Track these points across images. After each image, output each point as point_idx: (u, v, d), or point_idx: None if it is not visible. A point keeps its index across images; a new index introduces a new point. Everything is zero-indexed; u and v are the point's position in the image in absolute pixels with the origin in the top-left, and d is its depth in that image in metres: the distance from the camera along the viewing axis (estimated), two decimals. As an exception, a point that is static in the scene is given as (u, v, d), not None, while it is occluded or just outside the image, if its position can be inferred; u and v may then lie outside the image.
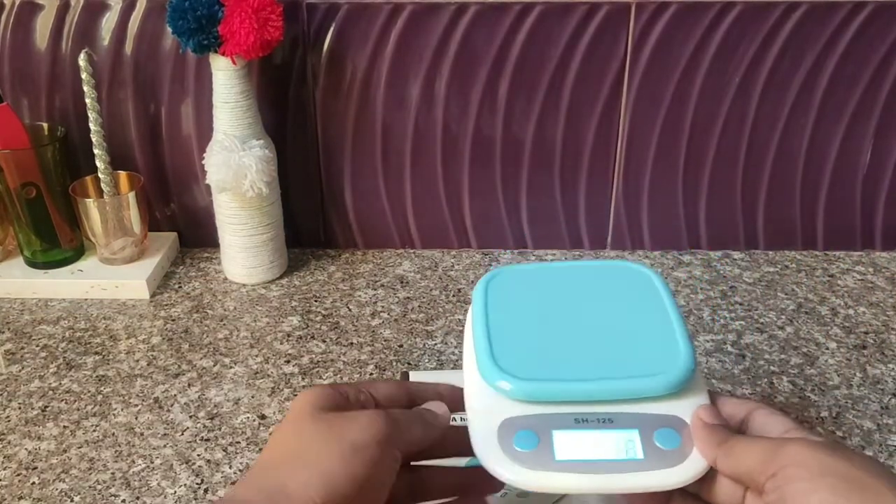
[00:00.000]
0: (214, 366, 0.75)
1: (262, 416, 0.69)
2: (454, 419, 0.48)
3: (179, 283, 0.88)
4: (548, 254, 0.93)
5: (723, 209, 0.91)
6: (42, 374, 0.74)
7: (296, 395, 0.56)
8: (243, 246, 0.86)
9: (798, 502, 0.38)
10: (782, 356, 0.76)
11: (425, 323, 0.81)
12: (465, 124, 0.87)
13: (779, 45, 0.82)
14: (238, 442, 0.66)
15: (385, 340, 0.79)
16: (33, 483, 0.62)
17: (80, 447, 0.66)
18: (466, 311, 0.52)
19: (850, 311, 0.83)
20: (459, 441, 0.46)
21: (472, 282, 0.87)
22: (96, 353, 0.77)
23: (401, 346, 0.78)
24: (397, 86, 0.85)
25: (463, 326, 0.68)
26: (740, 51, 0.83)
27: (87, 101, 0.81)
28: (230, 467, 0.64)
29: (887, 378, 0.73)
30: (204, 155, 0.82)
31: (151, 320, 0.82)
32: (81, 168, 0.88)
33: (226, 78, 0.79)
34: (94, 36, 0.84)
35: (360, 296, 0.86)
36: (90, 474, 0.63)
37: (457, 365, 0.75)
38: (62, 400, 0.71)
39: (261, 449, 0.63)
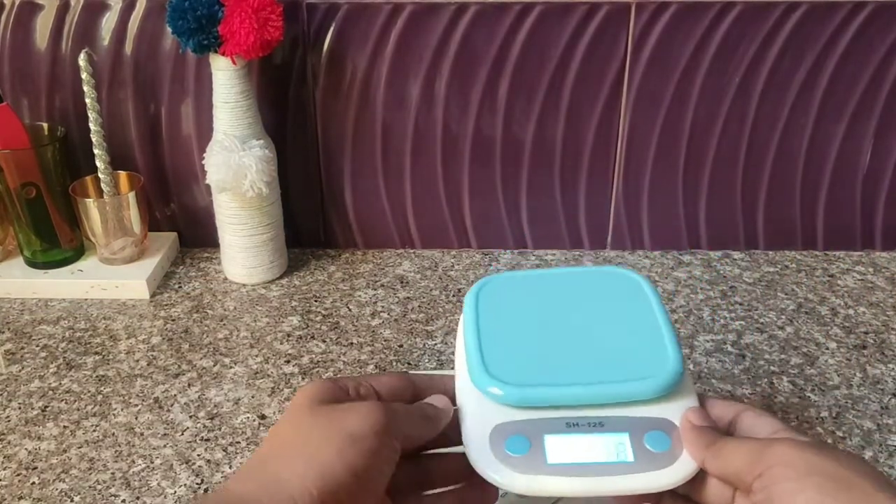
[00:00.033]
0: (214, 366, 0.75)
1: (262, 416, 0.69)
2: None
3: (179, 283, 0.88)
4: (548, 254, 0.93)
5: (723, 209, 0.91)
6: (42, 374, 0.74)
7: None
8: (243, 246, 0.86)
9: (785, 501, 0.38)
10: (782, 356, 0.76)
11: (425, 323, 0.81)
12: (465, 124, 0.87)
13: (779, 45, 0.82)
14: (238, 442, 0.66)
15: (385, 340, 0.79)
16: (33, 483, 0.62)
17: (80, 447, 0.66)
18: (466, 311, 0.53)
19: (850, 311, 0.83)
20: (458, 429, 0.46)
21: (472, 282, 0.87)
22: (96, 353, 0.77)
23: (401, 346, 0.78)
24: (397, 86, 0.85)
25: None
26: (740, 51, 0.83)
27: (87, 101, 0.81)
28: (230, 467, 0.64)
29: (887, 378, 0.73)
30: (204, 155, 0.82)
31: (151, 320, 0.82)
32: (81, 168, 0.88)
33: (226, 78, 0.79)
34: (94, 36, 0.84)
35: (360, 296, 0.86)
36: (90, 474, 0.63)
37: (457, 365, 0.75)
38: (62, 400, 0.71)
39: (261, 449, 0.63)
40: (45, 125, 0.86)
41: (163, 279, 0.88)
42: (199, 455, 0.65)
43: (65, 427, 0.68)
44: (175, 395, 0.72)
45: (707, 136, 0.87)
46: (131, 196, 0.86)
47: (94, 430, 0.68)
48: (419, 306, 0.84)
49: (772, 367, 0.75)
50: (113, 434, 0.67)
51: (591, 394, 0.45)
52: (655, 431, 0.44)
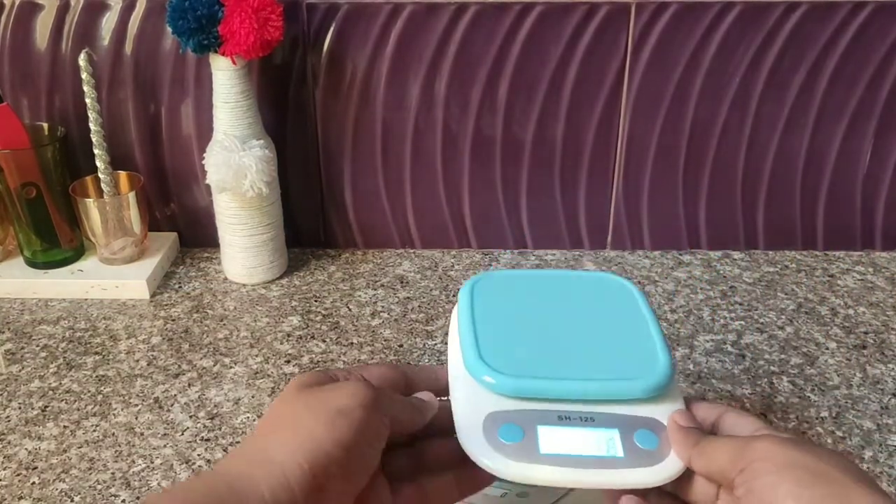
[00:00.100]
0: (214, 366, 0.75)
1: (262, 416, 0.69)
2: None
3: (179, 283, 0.88)
4: (548, 254, 0.93)
5: (723, 209, 0.91)
6: (42, 374, 0.74)
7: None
8: (243, 246, 0.86)
9: (765, 495, 0.39)
10: (782, 356, 0.76)
11: (425, 323, 0.81)
12: (465, 124, 0.87)
13: (779, 45, 0.82)
14: (238, 442, 0.66)
15: (385, 340, 0.79)
16: (33, 483, 0.62)
17: (80, 447, 0.66)
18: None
19: (850, 311, 0.83)
20: (449, 420, 0.47)
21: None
22: (96, 353, 0.77)
23: (401, 346, 0.78)
24: (397, 86, 0.85)
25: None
26: (740, 51, 0.83)
27: (87, 101, 0.82)
28: (230, 467, 0.64)
29: (887, 378, 0.73)
30: (204, 155, 0.82)
31: (151, 320, 0.82)
32: (81, 168, 0.88)
33: (226, 78, 0.79)
34: (94, 36, 0.84)
35: (360, 296, 0.86)
36: (90, 474, 0.63)
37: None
38: (62, 400, 0.71)
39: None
40: (45, 125, 0.86)
41: (163, 279, 0.88)
42: (199, 455, 0.65)
43: (65, 427, 0.68)
44: (175, 395, 0.72)
45: (707, 136, 0.87)
46: (131, 196, 0.86)
47: (95, 430, 0.68)
48: (419, 306, 0.84)
49: (772, 367, 0.75)
50: (113, 434, 0.67)
51: (584, 389, 0.46)
52: (645, 430, 0.45)
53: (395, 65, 0.84)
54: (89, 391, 0.72)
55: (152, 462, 0.64)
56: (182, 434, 0.67)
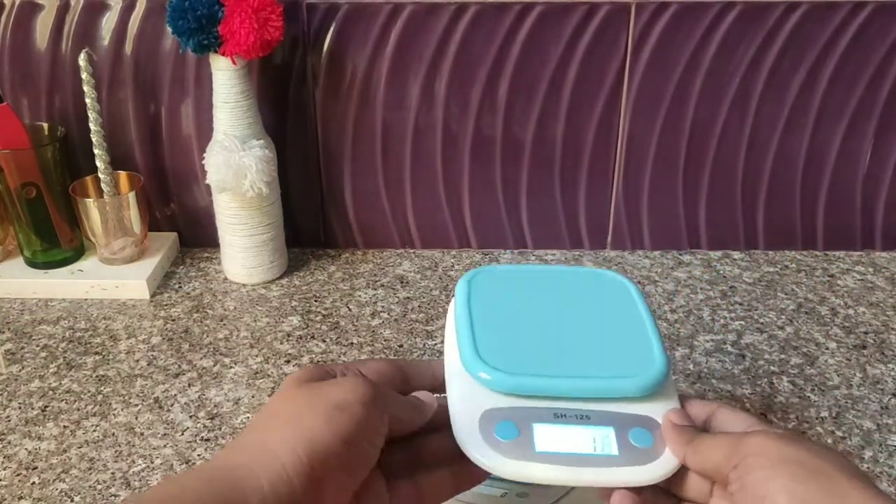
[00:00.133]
0: (214, 366, 0.75)
1: (260, 410, 0.69)
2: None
3: (179, 283, 0.88)
4: (548, 254, 0.93)
5: (723, 209, 0.91)
6: (42, 374, 0.74)
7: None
8: (243, 246, 0.86)
9: (759, 489, 0.39)
10: (782, 356, 0.76)
11: (425, 323, 0.81)
12: (465, 124, 0.87)
13: (779, 45, 0.82)
14: (238, 442, 0.66)
15: (385, 340, 0.79)
16: (33, 483, 0.62)
17: (80, 447, 0.66)
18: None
19: (850, 311, 0.83)
20: (446, 416, 0.47)
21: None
22: (96, 353, 0.77)
23: (401, 346, 0.78)
24: (397, 86, 0.85)
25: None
26: (740, 51, 0.83)
27: (87, 101, 0.81)
28: (230, 467, 0.64)
29: (887, 378, 0.73)
30: (204, 155, 0.82)
31: (151, 320, 0.82)
32: (81, 168, 0.88)
33: (226, 78, 0.79)
34: (94, 36, 0.84)
35: (360, 296, 0.86)
36: (90, 474, 0.63)
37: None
38: (62, 400, 0.71)
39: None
40: (45, 125, 0.86)
41: (163, 279, 0.88)
42: (199, 455, 0.65)
43: (65, 427, 0.68)
44: (175, 395, 0.72)
45: (707, 136, 0.87)
46: (131, 196, 0.86)
47: (94, 430, 0.68)
48: (419, 306, 0.84)
49: (772, 367, 0.75)
50: (113, 434, 0.67)
51: (581, 387, 0.46)
52: (639, 428, 0.45)
53: (395, 65, 0.84)
54: (89, 391, 0.72)
55: (152, 462, 0.64)
56: (182, 434, 0.67)
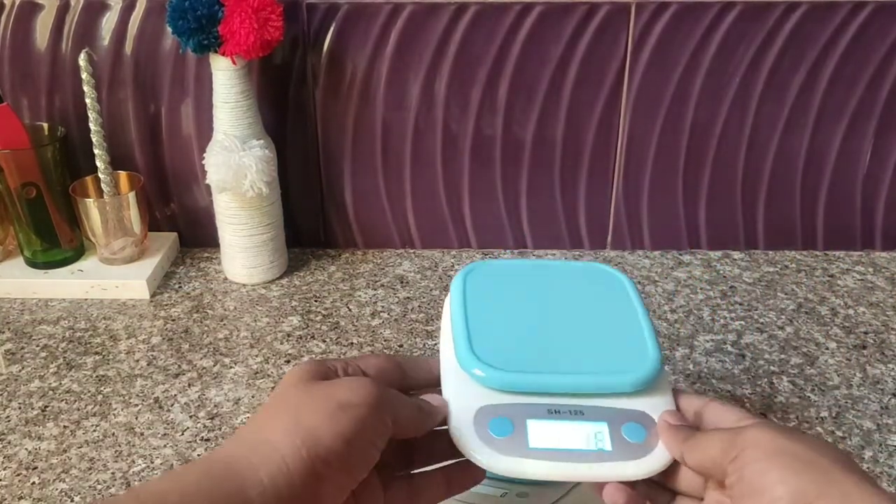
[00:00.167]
0: (214, 366, 0.75)
1: (262, 405, 0.69)
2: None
3: (179, 283, 0.88)
4: (548, 254, 0.93)
5: (723, 209, 0.91)
6: (42, 374, 0.74)
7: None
8: (243, 246, 0.86)
9: (756, 481, 0.40)
10: (782, 356, 0.76)
11: (425, 323, 0.81)
12: (465, 124, 0.87)
13: (779, 45, 0.82)
14: (238, 442, 0.66)
15: (385, 340, 0.79)
16: (33, 483, 0.62)
17: (80, 447, 0.66)
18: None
19: (850, 311, 0.83)
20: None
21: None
22: (96, 353, 0.77)
23: (401, 346, 0.78)
24: (397, 86, 0.85)
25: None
26: (740, 51, 0.83)
27: (87, 101, 0.81)
28: (230, 467, 0.64)
29: (887, 378, 0.73)
30: (204, 155, 0.82)
31: (151, 320, 0.82)
32: (81, 168, 0.88)
33: (226, 78, 0.79)
34: (94, 36, 0.84)
35: (360, 296, 0.86)
36: (90, 474, 0.63)
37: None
38: (62, 400, 0.71)
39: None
40: (45, 125, 0.86)
41: (163, 279, 0.88)
42: (199, 455, 0.65)
43: (65, 427, 0.68)
44: (175, 395, 0.72)
45: (707, 136, 0.87)
46: (131, 196, 0.86)
47: (94, 430, 0.68)
48: (419, 306, 0.84)
49: (772, 367, 0.75)
50: (113, 434, 0.67)
51: (574, 383, 0.47)
52: (633, 423, 0.46)
53: (395, 65, 0.84)
54: (89, 391, 0.72)
55: (152, 462, 0.64)
56: (182, 434, 0.67)
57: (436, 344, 0.78)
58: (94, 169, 0.85)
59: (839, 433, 0.67)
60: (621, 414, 0.46)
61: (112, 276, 0.86)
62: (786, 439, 0.40)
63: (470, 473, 0.47)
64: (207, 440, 0.67)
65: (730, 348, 0.77)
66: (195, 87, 0.86)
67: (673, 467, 0.45)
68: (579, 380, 0.47)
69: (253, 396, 0.71)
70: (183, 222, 0.93)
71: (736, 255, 0.93)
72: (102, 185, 0.85)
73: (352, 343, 0.78)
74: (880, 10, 0.80)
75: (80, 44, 0.83)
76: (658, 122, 0.86)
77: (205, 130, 0.86)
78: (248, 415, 0.69)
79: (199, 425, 0.68)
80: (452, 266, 0.91)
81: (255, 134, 0.82)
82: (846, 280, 0.88)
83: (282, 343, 0.78)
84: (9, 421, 0.69)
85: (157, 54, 0.85)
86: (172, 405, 0.70)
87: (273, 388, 0.72)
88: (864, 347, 0.77)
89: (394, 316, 0.83)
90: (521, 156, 0.89)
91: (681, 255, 0.93)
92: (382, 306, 0.84)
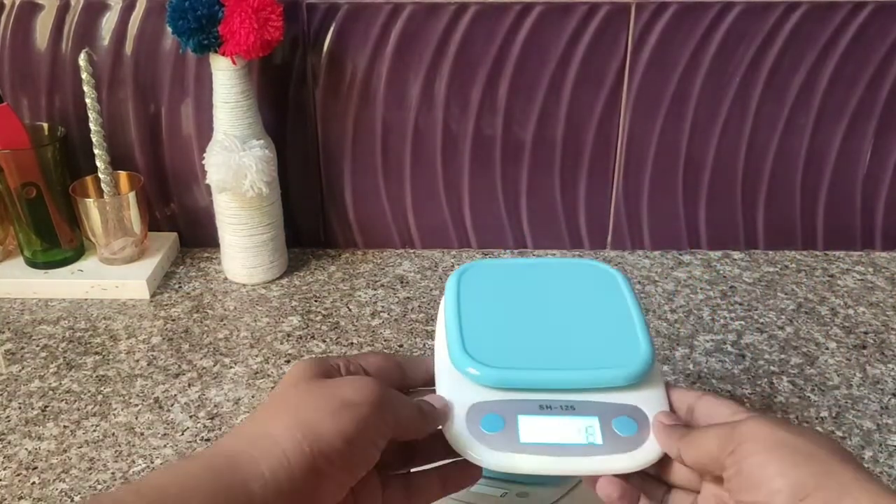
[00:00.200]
0: (214, 366, 0.75)
1: (264, 401, 0.69)
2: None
3: (179, 283, 0.88)
4: (548, 254, 0.93)
5: (723, 209, 0.91)
6: (42, 374, 0.74)
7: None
8: (243, 246, 0.86)
9: (755, 474, 0.40)
10: (782, 356, 0.76)
11: (425, 323, 0.81)
12: (465, 124, 0.87)
13: (779, 45, 0.82)
14: (238, 442, 0.66)
15: (385, 340, 0.79)
16: (33, 483, 0.62)
17: (80, 447, 0.66)
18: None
19: (850, 311, 0.83)
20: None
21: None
22: (96, 353, 0.77)
23: (401, 346, 0.78)
24: (397, 86, 0.85)
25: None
26: (740, 51, 0.83)
27: (87, 101, 0.81)
28: (230, 467, 0.64)
29: (887, 378, 0.73)
30: (204, 155, 0.82)
31: (151, 320, 0.82)
32: (81, 168, 0.88)
33: (226, 78, 0.79)
34: (94, 36, 0.84)
35: (360, 296, 0.86)
36: (90, 474, 0.63)
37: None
38: (62, 400, 0.71)
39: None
40: (45, 125, 0.86)
41: (163, 279, 0.88)
42: (199, 455, 0.65)
43: (65, 427, 0.68)
44: (175, 395, 0.72)
45: (707, 136, 0.87)
46: (131, 196, 0.86)
47: (95, 430, 0.68)
48: (419, 306, 0.84)
49: (772, 367, 0.75)
50: (113, 434, 0.67)
51: (565, 379, 0.47)
52: (624, 417, 0.46)
53: (395, 65, 0.84)
54: (89, 391, 0.72)
55: (152, 462, 0.64)
56: (182, 434, 0.67)
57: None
58: (94, 169, 0.85)
59: (839, 433, 0.67)
60: (612, 408, 0.46)
61: (112, 276, 0.86)
62: (784, 432, 0.40)
63: (466, 473, 0.48)
64: (207, 440, 0.67)
65: (730, 348, 0.77)
66: (195, 87, 0.86)
67: (667, 460, 0.46)
68: (570, 375, 0.47)
69: (253, 396, 0.72)
70: (183, 222, 0.93)
71: (736, 255, 0.93)
72: (102, 185, 0.85)
73: (352, 343, 0.78)
74: (880, 10, 0.80)
75: (80, 44, 0.83)
76: (658, 122, 0.86)
77: (205, 130, 0.86)
78: (247, 415, 0.69)
79: (199, 425, 0.68)
80: (452, 266, 0.91)
81: (255, 134, 0.82)
82: (846, 280, 0.88)
83: (282, 343, 0.78)
84: (9, 421, 0.69)
85: (157, 54, 0.85)
86: (172, 405, 0.70)
87: (273, 387, 0.72)
88: (864, 347, 0.77)
89: (394, 316, 0.83)
90: (521, 156, 0.89)
91: (681, 255, 0.93)
92: (382, 306, 0.84)
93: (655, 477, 0.47)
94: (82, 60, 0.80)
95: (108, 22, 0.83)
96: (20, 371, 0.75)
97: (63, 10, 0.83)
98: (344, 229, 0.94)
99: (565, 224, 0.92)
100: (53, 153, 0.84)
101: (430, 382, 0.51)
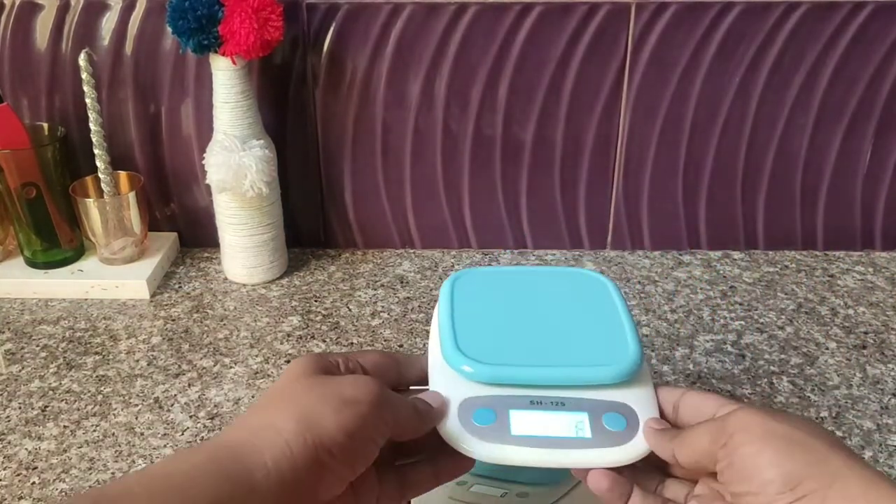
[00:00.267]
0: (214, 366, 0.75)
1: (264, 393, 0.69)
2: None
3: (179, 283, 0.88)
4: (548, 253, 0.93)
5: (723, 209, 0.91)
6: (42, 374, 0.74)
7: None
8: (243, 246, 0.86)
9: (747, 464, 0.40)
10: (782, 356, 0.76)
11: (425, 323, 0.81)
12: (465, 124, 0.87)
13: (779, 45, 0.82)
14: (238, 442, 0.66)
15: (385, 340, 0.79)
16: (33, 483, 0.62)
17: (80, 447, 0.66)
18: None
19: (850, 311, 0.83)
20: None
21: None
22: (96, 353, 0.77)
23: (401, 345, 0.78)
24: (397, 86, 0.85)
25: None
26: (740, 51, 0.83)
27: (87, 101, 0.81)
28: (230, 467, 0.64)
29: (887, 378, 0.73)
30: (204, 155, 0.82)
31: (151, 320, 0.82)
32: (81, 168, 0.88)
33: (226, 78, 0.79)
34: (94, 36, 0.84)
35: (360, 296, 0.86)
36: (90, 474, 0.63)
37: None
38: (62, 400, 0.71)
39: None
40: (45, 125, 0.86)
41: (163, 279, 0.88)
42: (199, 455, 0.65)
43: (65, 427, 0.68)
44: (175, 395, 0.72)
45: (707, 136, 0.87)
46: (131, 196, 0.86)
47: (95, 430, 0.68)
48: (419, 306, 0.84)
49: (772, 367, 0.75)
50: (113, 434, 0.67)
51: (556, 375, 0.48)
52: (613, 413, 0.47)
53: (395, 65, 0.84)
54: (89, 391, 0.72)
55: (152, 462, 0.64)
56: (182, 434, 0.67)
57: (436, 344, 0.78)
58: (94, 169, 0.85)
59: (839, 433, 0.67)
60: (602, 405, 0.47)
61: (112, 276, 0.86)
62: (773, 421, 0.41)
63: (457, 463, 0.48)
64: (207, 440, 0.67)
65: (730, 348, 0.77)
66: (195, 87, 0.86)
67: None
68: (561, 372, 0.48)
69: (253, 396, 0.72)
70: (183, 222, 0.93)
71: (736, 255, 0.93)
72: (102, 185, 0.85)
73: (352, 343, 0.78)
74: (880, 10, 0.80)
75: (80, 44, 0.83)
76: (658, 122, 0.86)
77: (205, 130, 0.86)
78: (249, 407, 0.69)
79: (199, 425, 0.68)
80: (452, 266, 0.91)
81: (255, 134, 0.82)
82: (846, 280, 0.88)
83: (282, 343, 0.78)
84: (9, 421, 0.69)
85: (157, 54, 0.85)
86: (172, 405, 0.70)
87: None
88: (864, 347, 0.77)
89: (394, 316, 0.83)
90: (521, 156, 0.89)
91: (681, 255, 0.93)
92: (382, 306, 0.84)
93: (652, 466, 0.47)
94: (82, 60, 0.80)
95: (108, 22, 0.83)
96: (20, 371, 0.75)
97: (63, 10, 0.83)
98: (344, 229, 0.94)
99: (565, 224, 0.92)
100: (53, 153, 0.84)
101: (424, 380, 0.51)
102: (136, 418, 0.69)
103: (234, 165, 0.78)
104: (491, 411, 0.47)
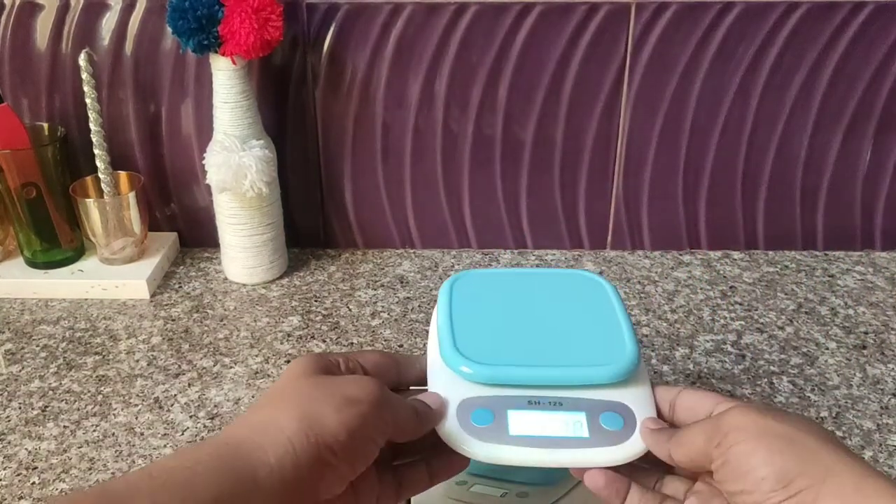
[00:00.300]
0: (214, 366, 0.75)
1: (266, 393, 0.69)
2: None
3: (179, 283, 0.88)
4: (548, 253, 0.93)
5: (723, 209, 0.91)
6: (42, 374, 0.74)
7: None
8: (243, 246, 0.86)
9: (741, 462, 0.40)
10: (782, 356, 0.76)
11: (425, 323, 0.81)
12: (465, 124, 0.87)
13: (779, 45, 0.82)
14: (238, 442, 0.66)
15: (385, 340, 0.79)
16: (33, 483, 0.62)
17: (80, 447, 0.66)
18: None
19: (850, 311, 0.83)
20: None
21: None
22: (96, 353, 0.77)
23: (401, 345, 0.78)
24: (397, 86, 0.85)
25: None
26: (740, 51, 0.83)
27: (87, 101, 0.81)
28: (230, 467, 0.64)
29: (887, 378, 0.73)
30: (204, 155, 0.82)
31: (151, 320, 0.82)
32: (81, 168, 0.88)
33: (226, 78, 0.79)
34: (94, 36, 0.84)
35: (360, 296, 0.86)
36: (90, 474, 0.63)
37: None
38: (62, 400, 0.71)
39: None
40: (45, 125, 0.86)
41: (163, 279, 0.88)
42: (199, 455, 0.65)
43: (65, 427, 0.68)
44: (175, 395, 0.72)
45: (707, 136, 0.87)
46: (131, 196, 0.86)
47: (95, 430, 0.68)
48: (419, 306, 0.84)
49: (772, 367, 0.75)
50: (113, 434, 0.67)
51: (553, 376, 0.48)
52: (610, 413, 0.47)
53: (395, 65, 0.84)
54: (89, 391, 0.72)
55: (152, 462, 0.64)
56: (182, 434, 0.67)
57: (436, 344, 0.78)
58: (94, 169, 0.85)
59: (839, 433, 0.67)
60: (599, 405, 0.48)
61: (112, 276, 0.86)
62: (767, 419, 0.41)
63: (452, 463, 0.49)
64: (210, 438, 0.66)
65: (730, 348, 0.77)
66: (195, 87, 0.86)
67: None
68: (558, 372, 0.48)
69: (253, 396, 0.72)
70: (183, 222, 0.94)
71: (736, 255, 0.93)
72: (102, 185, 0.85)
73: (352, 343, 0.78)
74: (880, 10, 0.80)
75: (80, 44, 0.83)
76: (658, 122, 0.86)
77: (205, 130, 0.86)
78: (251, 404, 0.69)
79: (199, 425, 0.68)
80: (452, 266, 0.91)
81: (255, 134, 0.82)
82: (846, 280, 0.88)
83: (282, 343, 0.78)
84: (9, 421, 0.69)
85: (157, 54, 0.85)
86: (172, 405, 0.70)
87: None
88: (864, 347, 0.77)
89: (394, 316, 0.83)
90: (521, 156, 0.89)
91: (681, 255, 0.93)
92: (382, 306, 0.84)
93: (651, 464, 0.47)
94: (82, 60, 0.80)
95: (108, 22, 0.83)
96: (20, 371, 0.75)
97: (63, 10, 0.83)
98: (344, 229, 0.94)
99: (565, 224, 0.92)
100: (53, 153, 0.84)
101: (424, 380, 0.52)
102: (136, 418, 0.69)
103: (234, 165, 0.78)
104: (489, 412, 0.47)
